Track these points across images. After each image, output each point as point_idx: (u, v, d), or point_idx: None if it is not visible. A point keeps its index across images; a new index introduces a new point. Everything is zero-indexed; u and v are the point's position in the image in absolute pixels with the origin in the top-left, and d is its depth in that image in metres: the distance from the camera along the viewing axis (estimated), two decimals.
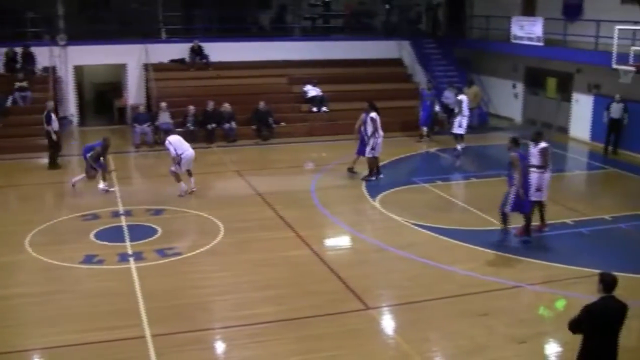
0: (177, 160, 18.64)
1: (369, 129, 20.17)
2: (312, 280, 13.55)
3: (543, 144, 16.23)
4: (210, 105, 25.85)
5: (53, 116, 22.05)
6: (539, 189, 16.05)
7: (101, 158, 19.30)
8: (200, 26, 30.85)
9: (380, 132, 20.32)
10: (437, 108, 27.96)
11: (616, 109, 24.15)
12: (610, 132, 24.54)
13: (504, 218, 15.86)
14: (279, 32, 33.03)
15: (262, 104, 26.28)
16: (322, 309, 12.19)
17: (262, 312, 12.09)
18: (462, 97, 24.84)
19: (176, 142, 18.84)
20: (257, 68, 29.48)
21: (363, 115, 20.46)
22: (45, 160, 22.23)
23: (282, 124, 26.82)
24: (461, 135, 24.23)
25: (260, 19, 34.51)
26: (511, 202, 15.40)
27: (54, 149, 22.12)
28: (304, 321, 11.77)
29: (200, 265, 14.22)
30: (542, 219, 16.40)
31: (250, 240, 15.65)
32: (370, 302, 12.52)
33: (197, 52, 28.97)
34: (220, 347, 11.23)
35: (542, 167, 16.11)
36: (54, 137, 21.87)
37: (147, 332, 11.24)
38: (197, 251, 14.87)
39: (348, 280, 13.39)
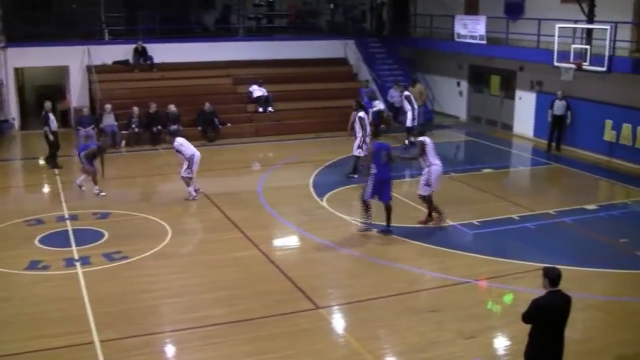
0: (189, 163, 18.38)
1: (357, 128, 20.50)
2: (262, 280, 13.50)
3: (421, 139, 16.48)
4: (153, 107, 25.58)
5: (51, 116, 22.05)
6: (427, 184, 16.45)
7: (94, 161, 19.01)
8: (143, 27, 30.48)
9: (367, 131, 20.41)
10: (382, 107, 28.14)
11: (559, 106, 24.56)
12: (554, 129, 24.94)
13: (365, 206, 16.18)
14: (223, 32, 32.88)
15: (207, 105, 26.13)
16: (273, 309, 12.16)
17: (212, 314, 12.01)
18: (407, 92, 25.30)
19: (185, 144, 18.67)
20: (202, 69, 29.31)
21: (353, 114, 20.69)
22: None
23: (228, 124, 26.71)
24: (411, 128, 24.60)
25: (205, 19, 34.29)
26: (369, 190, 15.85)
27: (54, 149, 22.09)
28: (255, 322, 11.72)
29: (148, 268, 14.06)
30: (430, 211, 16.82)
31: (198, 242, 15.58)
32: (320, 302, 12.53)
33: (140, 53, 28.67)
34: (170, 350, 11.12)
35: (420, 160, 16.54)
36: (51, 137, 21.83)
37: (96, 338, 11.07)
38: (145, 254, 14.70)
39: (297, 280, 13.37)
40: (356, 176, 20.60)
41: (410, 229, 16.43)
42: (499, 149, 26.14)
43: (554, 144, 25.05)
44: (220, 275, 13.71)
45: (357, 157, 20.58)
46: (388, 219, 16.04)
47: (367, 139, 20.03)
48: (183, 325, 11.61)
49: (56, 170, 20.83)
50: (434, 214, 16.79)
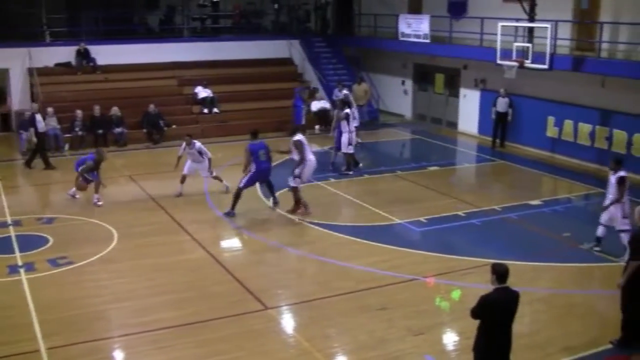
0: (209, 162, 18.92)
1: (344, 124, 21.05)
2: (210, 282, 13.43)
3: (297, 138, 17.20)
4: (97, 110, 25.24)
5: (38, 117, 22.05)
6: (299, 177, 17.15)
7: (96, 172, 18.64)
8: (86, 28, 30.05)
9: (352, 127, 21.22)
10: (327, 106, 28.21)
11: (502, 103, 24.92)
12: (497, 126, 25.29)
13: (237, 196, 17.30)
14: (167, 33, 32.63)
15: (152, 107, 25.89)
16: (222, 311, 12.10)
17: (161, 317, 11.90)
18: (345, 92, 25.55)
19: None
20: (146, 70, 29.01)
21: (337, 112, 21.42)
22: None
23: (173, 126, 26.49)
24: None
25: (149, 20, 33.96)
26: (246, 181, 17.28)
27: (40, 149, 22.16)
28: (205, 324, 11.65)
29: (94, 273, 13.87)
30: (297, 202, 17.49)
31: (145, 245, 15.38)
32: (269, 302, 12.50)
33: (83, 55, 28.25)
34: (119, 356, 10.98)
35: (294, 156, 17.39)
36: (34, 139, 21.88)
37: (42, 346, 10.89)
38: (91, 259, 14.49)
39: (245, 281, 13.33)
40: (351, 172, 21.15)
41: (358, 227, 16.49)
42: (444, 146, 26.40)
43: (498, 141, 25.40)
44: (168, 279, 13.59)
45: (350, 154, 21.28)
46: (272, 193, 17.84)
47: (354, 135, 21.12)
48: (132, 329, 11.48)
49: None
50: (301, 208, 17.33)
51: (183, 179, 18.94)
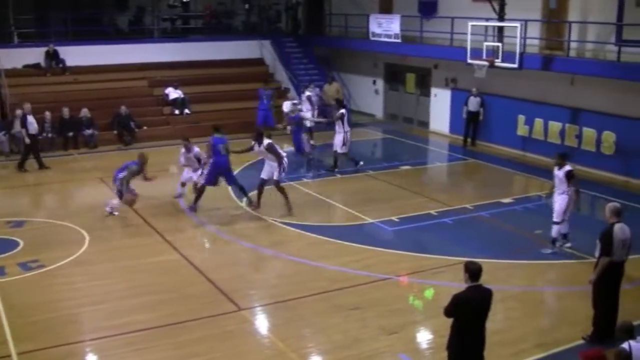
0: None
1: (339, 124, 21.34)
2: (184, 284, 13.37)
3: (266, 142, 17.49)
4: (66, 112, 25.01)
5: (29, 118, 21.93)
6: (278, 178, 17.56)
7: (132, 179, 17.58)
8: (54, 29, 29.76)
9: (347, 127, 21.50)
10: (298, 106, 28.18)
11: (473, 103, 25.08)
12: (469, 125, 25.45)
13: (200, 192, 17.69)
14: (137, 34, 32.38)
15: (123, 108, 25.73)
16: (196, 312, 12.05)
17: (135, 319, 11.83)
18: (308, 93, 25.87)
19: None
20: (117, 71, 28.82)
21: (337, 113, 21.48)
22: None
23: (144, 127, 26.37)
24: (308, 128, 25.16)
25: (118, 21, 33.72)
26: (207, 177, 17.61)
27: (31, 151, 22.06)
28: (179, 326, 11.61)
29: (67, 276, 13.75)
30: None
31: (117, 247, 15.28)
32: (242, 303, 12.48)
33: (52, 56, 27.98)
34: (93, 359, 10.91)
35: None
36: (27, 140, 21.75)
37: (13, 351, 10.78)
38: (63, 262, 14.36)
39: (219, 283, 13.30)
40: (336, 170, 21.57)
41: (331, 227, 16.51)
42: (415, 145, 26.50)
43: (469, 140, 25.55)
44: (141, 281, 13.51)
45: (342, 153, 21.58)
46: (245, 193, 18.00)
47: (349, 135, 21.43)
48: (106, 332, 11.40)
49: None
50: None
51: (184, 184, 18.78)
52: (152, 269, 14.12)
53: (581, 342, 11.01)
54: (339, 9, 32.79)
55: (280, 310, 12.36)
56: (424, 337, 11.65)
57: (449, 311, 8.67)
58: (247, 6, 34.27)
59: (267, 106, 26.68)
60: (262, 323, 12.13)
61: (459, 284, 8.78)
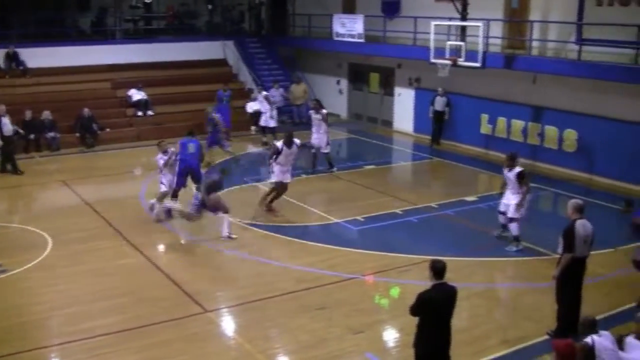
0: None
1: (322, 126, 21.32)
2: (149, 287, 13.27)
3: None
4: (29, 114, 24.68)
5: (4, 120, 21.46)
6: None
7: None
8: (15, 31, 29.36)
9: (327, 128, 21.57)
10: (260, 108, 28.12)
11: (439, 102, 25.20)
12: (435, 124, 25.55)
13: (174, 195, 17.24)
14: (100, 35, 32.10)
15: (86, 110, 25.46)
16: (161, 315, 11.97)
17: (101, 323, 11.70)
18: (265, 93, 26.17)
19: None
20: (79, 73, 28.54)
21: (312, 114, 21.58)
22: None
23: (107, 129, 26.15)
24: (272, 128, 25.37)
25: (80, 22, 33.39)
26: (176, 182, 17.20)
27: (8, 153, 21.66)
28: (144, 329, 11.51)
29: (30, 281, 13.56)
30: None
31: (81, 251, 15.11)
32: (208, 305, 12.42)
33: (12, 58, 27.62)
34: None
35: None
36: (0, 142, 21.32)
37: None
38: (25, 267, 14.15)
39: (184, 285, 13.22)
40: (334, 169, 21.61)
41: (296, 227, 16.48)
42: (380, 145, 26.58)
43: (435, 139, 25.64)
44: (106, 284, 13.38)
45: (324, 153, 21.56)
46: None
47: (328, 135, 21.49)
48: (70, 337, 11.26)
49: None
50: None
51: (174, 194, 17.52)
52: (117, 272, 13.99)
53: (546, 337, 11.12)
54: (302, 9, 32.77)
55: (246, 311, 12.32)
56: (390, 335, 11.69)
57: (414, 310, 8.71)
58: (210, 7, 34.13)
59: (227, 108, 26.56)
60: (228, 325, 12.09)
61: (425, 283, 8.83)
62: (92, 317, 11.98)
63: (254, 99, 27.33)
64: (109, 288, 13.20)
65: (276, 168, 17.45)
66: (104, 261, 14.55)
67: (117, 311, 12.18)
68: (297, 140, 17.59)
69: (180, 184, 17.31)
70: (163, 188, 17.24)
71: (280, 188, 17.60)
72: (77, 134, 25.42)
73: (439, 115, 25.41)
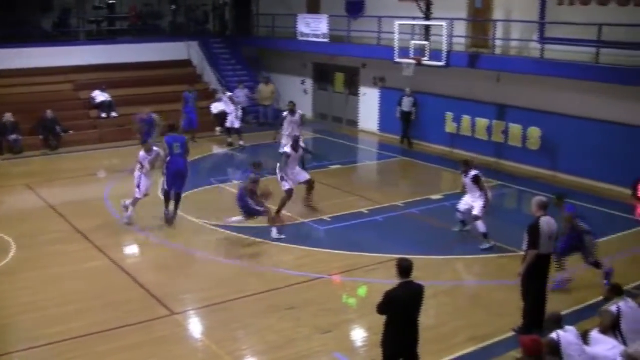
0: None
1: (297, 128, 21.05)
2: (115, 290, 13.16)
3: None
4: None
5: None
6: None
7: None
8: None
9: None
10: (227, 108, 28.05)
11: (407, 102, 25.23)
12: (403, 124, 25.57)
13: (166, 198, 17.03)
14: (62, 36, 31.75)
15: (49, 112, 25.18)
16: (128, 319, 11.88)
17: (66, 328, 11.57)
18: (229, 94, 26.20)
19: None
20: (41, 75, 28.24)
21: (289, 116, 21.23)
22: None
23: (70, 132, 25.89)
24: (237, 129, 25.37)
25: (43, 23, 32.96)
26: (166, 182, 16.78)
27: None
28: (111, 333, 11.42)
29: None
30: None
31: (45, 255, 14.94)
32: (175, 308, 12.35)
33: None
34: None
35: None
36: None
37: None
38: None
39: (150, 287, 13.14)
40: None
41: (262, 228, 16.41)
42: (345, 145, 26.63)
43: (406, 140, 25.68)
44: (72, 288, 13.24)
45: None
46: (176, 206, 16.93)
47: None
48: (37, 342, 11.13)
49: None
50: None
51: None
52: (82, 276, 13.85)
53: (512, 334, 11.21)
54: (266, 9, 32.73)
55: (214, 313, 12.28)
56: (358, 335, 11.72)
57: (381, 308, 8.75)
58: (173, 7, 33.95)
59: (193, 109, 26.43)
60: (196, 327, 12.04)
61: (392, 281, 8.86)
62: (58, 321, 11.85)
63: (219, 100, 27.18)
64: (74, 292, 13.07)
65: (289, 173, 17.22)
66: (69, 265, 14.40)
67: (83, 315, 12.06)
68: (302, 144, 17.64)
69: (171, 186, 16.72)
70: (137, 194, 16.85)
71: (290, 194, 17.28)
72: (40, 137, 25.13)
73: (406, 115, 25.44)
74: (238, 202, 15.74)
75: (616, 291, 10.05)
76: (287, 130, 21.02)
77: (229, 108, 25.46)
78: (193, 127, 25.61)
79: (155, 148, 17.10)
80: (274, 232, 15.79)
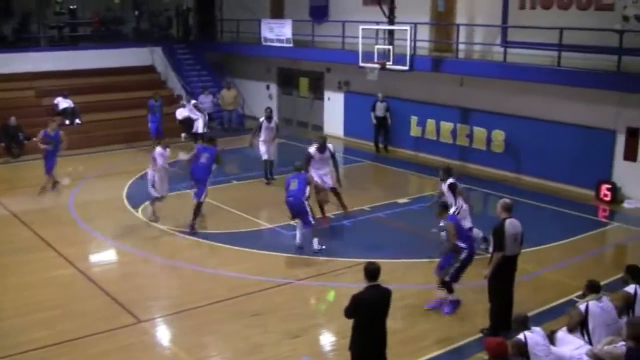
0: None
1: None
2: (80, 298, 13.02)
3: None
4: None
5: None
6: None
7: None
8: None
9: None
10: (193, 114, 27.91)
11: (380, 108, 25.16)
12: (379, 131, 25.48)
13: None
14: (23, 42, 31.32)
15: (12, 119, 24.84)
16: (94, 327, 11.75)
17: (31, 338, 11.41)
18: (194, 101, 26.44)
19: None
20: (2, 81, 27.82)
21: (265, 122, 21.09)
22: None
23: (33, 139, 25.53)
24: (201, 135, 25.29)
25: (2, 29, 32.55)
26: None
27: None
28: (77, 342, 11.29)
29: None
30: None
31: (8, 264, 14.73)
32: (142, 315, 12.25)
33: None
34: None
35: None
36: None
37: None
38: None
39: (117, 295, 13.01)
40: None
41: (229, 234, 16.40)
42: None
43: (381, 146, 25.66)
44: (35, 297, 13.06)
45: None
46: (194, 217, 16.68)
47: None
48: (1, 353, 10.95)
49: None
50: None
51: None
52: (46, 285, 13.68)
53: (479, 335, 11.28)
54: (230, 15, 32.69)
55: (181, 320, 12.20)
56: (327, 339, 11.72)
57: (348, 311, 8.78)
58: (136, 13, 33.72)
59: (158, 117, 26.28)
60: (163, 334, 11.95)
61: (359, 285, 8.86)
62: (21, 332, 11.67)
63: (182, 106, 27.06)
64: (38, 301, 12.88)
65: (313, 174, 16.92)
66: (32, 274, 14.21)
67: (47, 325, 11.89)
68: (330, 146, 17.56)
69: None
70: (153, 192, 17.16)
71: (323, 195, 17.16)
72: (2, 144, 24.81)
73: (381, 120, 25.35)
74: (297, 204, 15.28)
75: (592, 288, 10.10)
76: (263, 136, 20.97)
77: (194, 114, 25.39)
78: (159, 134, 25.43)
79: (168, 149, 17.59)
80: (315, 244, 15.35)
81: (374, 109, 25.43)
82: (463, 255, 12.00)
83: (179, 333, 11.84)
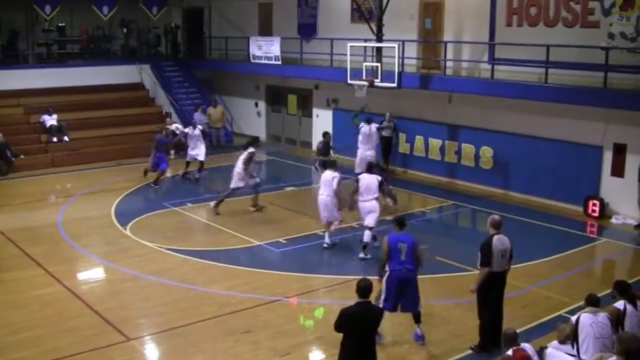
0: None
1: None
2: (68, 317, 12.93)
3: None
4: None
5: None
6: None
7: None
8: None
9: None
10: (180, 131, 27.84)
11: (386, 129, 24.62)
12: (384, 151, 24.62)
13: None
14: (11, 59, 31.31)
15: (0, 137, 24.77)
16: (82, 345, 11.66)
17: (17, 357, 11.34)
18: (177, 125, 26.16)
19: None
20: None
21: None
22: None
23: (21, 156, 25.52)
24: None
25: None
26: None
27: None
28: None
29: None
30: None
31: None
32: (131, 333, 12.18)
33: None
34: None
35: None
36: None
37: None
38: None
39: (105, 313, 12.94)
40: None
41: (217, 251, 16.37)
42: (299, 166, 26.63)
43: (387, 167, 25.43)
44: (22, 316, 12.95)
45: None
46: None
47: None
48: None
49: None
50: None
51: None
52: (32, 303, 13.56)
53: (469, 352, 11.27)
54: (219, 32, 32.76)
55: (170, 338, 12.14)
56: (316, 356, 11.68)
57: (336, 325, 8.81)
58: (125, 30, 33.74)
59: (163, 156, 25.86)
60: (152, 352, 11.90)
61: (349, 302, 8.87)
62: (8, 350, 11.57)
63: (170, 125, 26.88)
64: (23, 320, 12.76)
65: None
66: (18, 292, 14.11)
67: (33, 343, 11.78)
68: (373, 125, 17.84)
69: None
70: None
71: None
72: None
73: (386, 140, 24.76)
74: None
75: (590, 301, 10.02)
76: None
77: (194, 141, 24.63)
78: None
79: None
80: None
81: (381, 129, 24.21)
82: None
83: (168, 351, 11.79)
